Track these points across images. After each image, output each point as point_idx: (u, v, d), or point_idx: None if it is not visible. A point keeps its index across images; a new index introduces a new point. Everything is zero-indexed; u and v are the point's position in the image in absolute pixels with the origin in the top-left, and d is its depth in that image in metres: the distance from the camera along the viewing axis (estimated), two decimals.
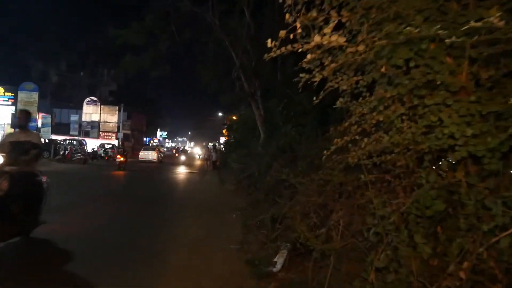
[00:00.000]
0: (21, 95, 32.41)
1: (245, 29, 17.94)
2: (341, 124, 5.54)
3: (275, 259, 5.03)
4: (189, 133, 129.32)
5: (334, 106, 3.92)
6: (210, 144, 43.42)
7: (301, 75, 3.53)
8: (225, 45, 17.95)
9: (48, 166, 25.26)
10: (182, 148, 77.53)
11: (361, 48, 3.03)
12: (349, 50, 3.10)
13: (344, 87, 3.54)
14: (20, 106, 32.17)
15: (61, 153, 32.08)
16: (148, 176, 22.95)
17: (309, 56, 3.28)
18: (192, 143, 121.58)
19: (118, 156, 26.26)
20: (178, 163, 38.12)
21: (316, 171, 7.19)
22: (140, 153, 39.04)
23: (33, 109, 33.10)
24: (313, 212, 4.86)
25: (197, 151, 64.39)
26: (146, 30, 17.84)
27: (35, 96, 33.07)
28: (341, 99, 3.79)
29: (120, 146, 42.65)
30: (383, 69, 2.92)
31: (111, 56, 51.13)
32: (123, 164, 24.65)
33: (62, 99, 56.52)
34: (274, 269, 4.92)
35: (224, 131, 44.82)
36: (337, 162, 5.18)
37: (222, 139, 53.45)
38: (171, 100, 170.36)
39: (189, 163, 40.80)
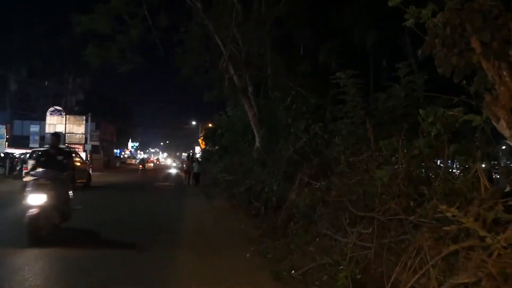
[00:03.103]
0: None
1: (233, 14, 14.82)
2: None
3: None
4: (161, 143, 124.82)
5: None
6: (184, 155, 39.07)
7: None
8: (209, 30, 14.81)
9: (2, 183, 21.33)
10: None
11: None
12: None
13: None
14: None
15: (17, 168, 28.03)
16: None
17: None
18: (165, 154, 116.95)
19: (140, 166, 43.65)
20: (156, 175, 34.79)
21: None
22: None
23: None
24: None
25: (170, 162, 60.56)
26: (113, 14, 14.47)
27: None
28: None
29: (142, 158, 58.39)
30: None
31: (77, 61, 46.53)
32: (143, 170, 41.30)
33: (24, 109, 51.69)
34: None
35: (200, 139, 41.29)
36: None
37: (198, 149, 49.96)
38: (142, 109, 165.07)
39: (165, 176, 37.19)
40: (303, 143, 8.66)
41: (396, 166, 4.48)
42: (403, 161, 4.49)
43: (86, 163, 23.41)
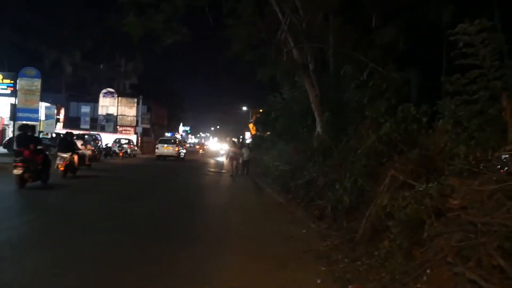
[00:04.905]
0: (21, 82, 28.04)
1: None
2: None
3: None
4: (212, 128, 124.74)
5: None
6: (234, 140, 35.55)
7: None
8: None
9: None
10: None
11: None
12: None
13: None
14: (20, 95, 28.00)
15: None
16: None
17: None
18: (216, 139, 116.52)
19: (201, 149, 61.78)
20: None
21: None
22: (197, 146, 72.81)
23: (35, 98, 28.92)
24: None
25: (218, 149, 58.65)
26: None
27: (37, 83, 28.69)
28: None
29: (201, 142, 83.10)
30: None
31: (128, 44, 45.45)
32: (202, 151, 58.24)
33: (80, 92, 52.36)
34: None
35: (250, 125, 39.43)
36: None
37: (248, 135, 48.42)
38: (194, 94, 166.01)
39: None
40: (389, 128, 6.51)
41: None
42: None
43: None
